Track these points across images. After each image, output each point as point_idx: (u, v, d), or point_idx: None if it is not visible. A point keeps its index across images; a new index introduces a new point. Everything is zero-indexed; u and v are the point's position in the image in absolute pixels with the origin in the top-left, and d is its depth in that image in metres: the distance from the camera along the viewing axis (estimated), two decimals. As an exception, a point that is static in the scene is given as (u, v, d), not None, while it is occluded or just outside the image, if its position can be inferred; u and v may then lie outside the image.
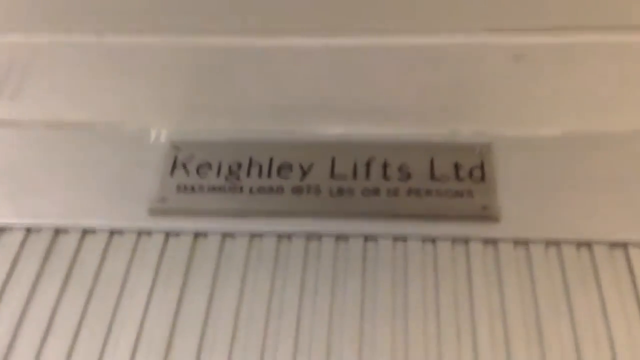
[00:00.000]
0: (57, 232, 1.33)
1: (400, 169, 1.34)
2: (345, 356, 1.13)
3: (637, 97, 1.31)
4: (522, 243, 1.22)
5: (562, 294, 1.15)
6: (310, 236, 1.28)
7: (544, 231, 1.22)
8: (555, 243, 1.20)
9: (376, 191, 1.31)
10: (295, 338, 1.16)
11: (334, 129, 1.42)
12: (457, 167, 1.32)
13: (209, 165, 1.39)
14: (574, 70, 1.28)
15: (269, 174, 1.37)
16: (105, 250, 1.30)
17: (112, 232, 1.32)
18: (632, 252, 1.18)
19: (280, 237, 1.28)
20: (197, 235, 1.30)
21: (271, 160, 1.39)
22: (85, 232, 1.33)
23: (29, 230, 1.33)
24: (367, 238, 1.27)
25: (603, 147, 1.30)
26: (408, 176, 1.32)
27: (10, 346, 1.19)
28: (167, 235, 1.31)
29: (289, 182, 1.35)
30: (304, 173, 1.36)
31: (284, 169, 1.37)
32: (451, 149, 1.35)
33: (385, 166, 1.34)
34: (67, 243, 1.31)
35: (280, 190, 1.34)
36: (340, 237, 1.27)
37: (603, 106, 1.32)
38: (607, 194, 1.25)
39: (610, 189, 1.25)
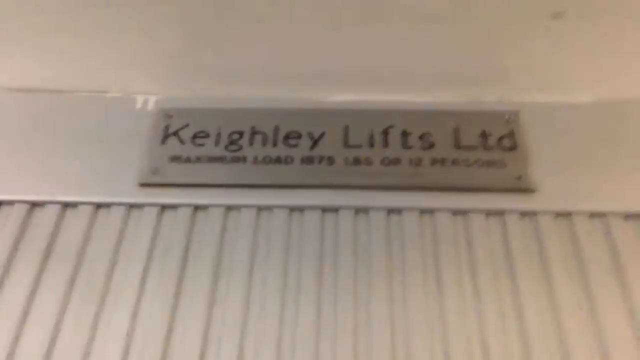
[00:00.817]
0: (33, 206, 1.15)
1: (421, 137, 1.21)
2: (376, 343, 1.00)
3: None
4: (564, 215, 1.10)
5: (612, 265, 1.05)
6: (326, 209, 1.14)
7: (588, 203, 1.11)
8: (601, 215, 1.09)
9: (397, 161, 1.18)
10: (317, 320, 1.02)
11: (345, 96, 1.29)
12: (484, 135, 1.21)
13: (206, 134, 1.25)
14: (613, 31, 1.16)
15: (275, 143, 1.23)
16: (90, 226, 1.13)
17: (98, 206, 1.15)
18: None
19: (292, 210, 1.14)
20: (197, 208, 1.15)
21: (276, 128, 1.24)
22: (66, 207, 1.15)
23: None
24: (390, 211, 1.13)
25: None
26: (431, 145, 1.20)
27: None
28: (162, 208, 1.15)
29: (298, 151, 1.21)
30: (315, 142, 1.22)
31: (292, 137, 1.23)
32: (476, 116, 1.24)
33: (405, 135, 1.22)
34: (45, 219, 1.14)
35: (288, 160, 1.20)
36: (360, 210, 1.14)
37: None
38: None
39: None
